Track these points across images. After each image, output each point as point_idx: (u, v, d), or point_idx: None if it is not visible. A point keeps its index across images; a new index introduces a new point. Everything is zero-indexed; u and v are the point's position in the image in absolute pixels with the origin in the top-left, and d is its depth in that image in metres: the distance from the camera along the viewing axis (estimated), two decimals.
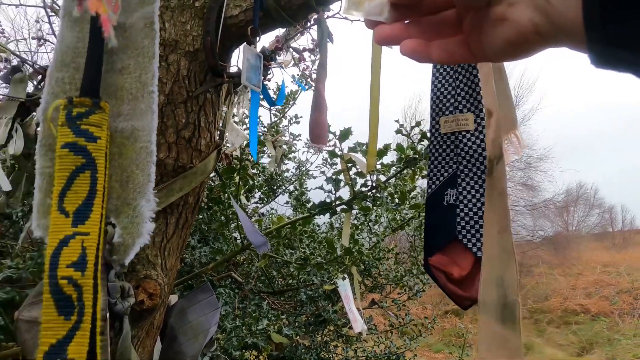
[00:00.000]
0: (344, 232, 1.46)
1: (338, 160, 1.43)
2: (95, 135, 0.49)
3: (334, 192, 1.40)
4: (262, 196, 2.63)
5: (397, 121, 1.36)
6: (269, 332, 1.56)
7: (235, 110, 1.14)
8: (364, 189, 1.41)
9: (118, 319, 0.73)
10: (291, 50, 1.44)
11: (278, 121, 2.82)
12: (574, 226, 14.81)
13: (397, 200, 1.65)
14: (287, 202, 2.73)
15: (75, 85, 0.52)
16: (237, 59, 1.02)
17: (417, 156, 1.34)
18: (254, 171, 2.26)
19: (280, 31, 1.30)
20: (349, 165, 1.37)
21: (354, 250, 1.63)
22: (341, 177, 1.41)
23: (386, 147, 1.32)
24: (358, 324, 1.64)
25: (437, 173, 0.89)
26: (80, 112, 0.49)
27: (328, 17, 1.38)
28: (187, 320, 1.06)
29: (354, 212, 1.93)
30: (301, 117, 2.85)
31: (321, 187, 1.65)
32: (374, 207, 1.60)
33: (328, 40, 0.96)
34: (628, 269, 10.22)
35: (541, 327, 8.43)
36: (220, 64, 0.89)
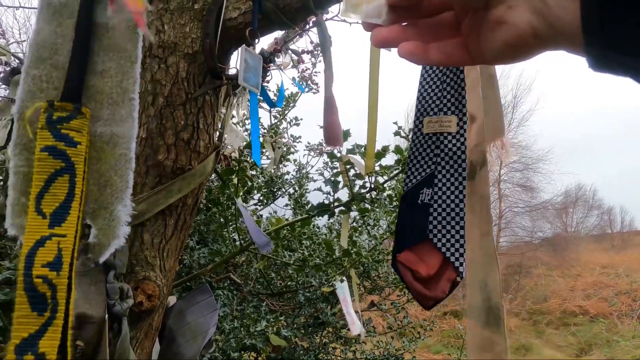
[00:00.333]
0: (343, 234, 1.47)
1: (337, 162, 1.43)
2: (75, 140, 0.50)
3: (332, 193, 1.41)
4: (261, 198, 2.63)
5: (395, 123, 1.37)
6: (267, 333, 1.56)
7: (234, 112, 1.14)
8: (362, 190, 1.42)
9: (117, 320, 0.73)
10: (290, 52, 1.44)
11: (278, 123, 2.83)
12: (572, 227, 14.84)
13: (395, 202, 1.65)
14: (286, 205, 2.73)
15: (53, 83, 0.52)
16: (236, 61, 1.02)
17: None
18: (253, 172, 2.26)
19: (279, 33, 1.31)
20: (348, 167, 1.37)
21: (352, 252, 1.64)
22: (340, 178, 1.41)
23: (384, 149, 1.33)
24: (356, 327, 1.64)
25: (415, 172, 0.90)
26: (61, 116, 0.49)
27: (327, 19, 1.39)
28: (185, 321, 1.06)
29: (353, 214, 1.93)
30: (301, 119, 2.85)
31: (320, 189, 1.65)
32: (373, 209, 1.60)
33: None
34: (627, 270, 10.23)
35: (540, 328, 8.44)
36: (219, 66, 0.89)
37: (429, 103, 0.92)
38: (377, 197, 1.43)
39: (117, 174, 0.53)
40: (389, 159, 1.48)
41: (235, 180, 1.43)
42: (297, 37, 1.42)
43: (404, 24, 0.38)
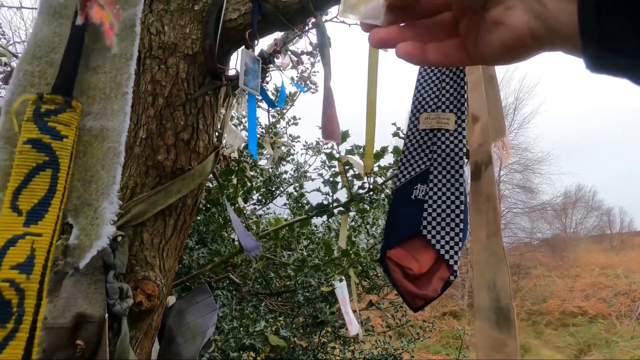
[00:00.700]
0: (341, 234, 1.47)
1: (336, 162, 1.44)
2: (62, 133, 0.47)
3: (331, 194, 1.41)
4: (260, 198, 2.63)
5: (394, 124, 1.38)
6: (266, 333, 1.57)
7: (234, 112, 1.15)
8: (361, 191, 1.42)
9: (116, 319, 0.73)
10: (289, 53, 1.45)
11: (276, 122, 2.83)
12: (572, 228, 14.85)
13: None
14: (285, 204, 2.73)
15: (46, 80, 0.51)
16: (236, 62, 1.02)
17: None
18: (252, 173, 2.27)
19: (278, 34, 1.31)
20: (346, 167, 1.38)
21: (351, 252, 1.64)
22: (338, 179, 1.42)
23: (383, 150, 1.33)
24: (354, 327, 1.64)
25: (409, 167, 0.89)
26: (49, 109, 0.47)
27: (326, 20, 1.39)
28: (185, 321, 1.06)
29: (351, 214, 1.94)
30: (299, 118, 2.86)
31: (318, 190, 1.66)
32: (371, 209, 1.60)
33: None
34: (626, 271, 10.25)
35: (539, 328, 8.44)
36: (218, 66, 0.89)
37: (427, 100, 0.91)
38: (376, 197, 1.43)
39: (105, 167, 0.51)
40: (388, 160, 1.49)
41: (234, 181, 1.43)
42: (297, 38, 1.42)
43: (401, 24, 0.38)
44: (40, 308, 0.44)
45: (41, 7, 0.53)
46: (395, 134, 1.36)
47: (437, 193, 0.84)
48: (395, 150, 1.36)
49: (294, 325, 2.05)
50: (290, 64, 1.55)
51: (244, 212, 1.91)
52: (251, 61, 0.83)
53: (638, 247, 13.09)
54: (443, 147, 0.86)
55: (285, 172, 2.84)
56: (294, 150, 2.84)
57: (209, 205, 1.68)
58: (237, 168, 1.35)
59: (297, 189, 2.63)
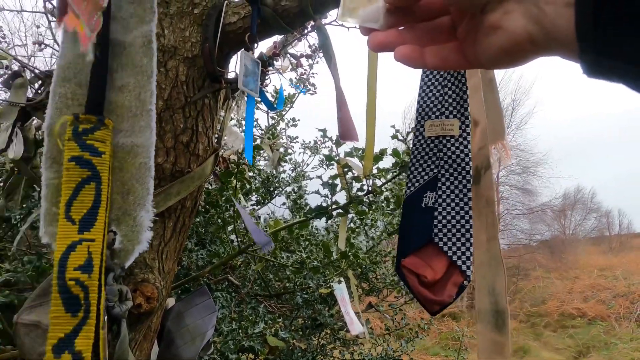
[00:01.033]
0: (340, 236, 1.47)
1: (335, 164, 1.44)
2: (99, 150, 0.53)
3: (330, 196, 1.41)
4: (258, 198, 2.64)
5: (393, 126, 1.38)
6: (265, 335, 1.57)
7: (233, 114, 1.15)
8: (360, 193, 1.42)
9: (116, 322, 0.74)
10: (288, 56, 1.45)
11: (276, 124, 2.84)
12: (571, 230, 14.87)
13: (393, 204, 1.66)
14: (283, 204, 2.74)
15: (77, 100, 0.56)
16: (235, 65, 1.03)
17: None
18: (250, 174, 2.27)
19: (277, 37, 1.32)
20: (345, 169, 1.38)
21: (350, 254, 1.64)
22: (337, 181, 1.42)
23: (382, 152, 1.33)
24: (355, 327, 1.64)
25: (417, 175, 0.90)
26: (85, 128, 0.53)
27: (325, 24, 1.39)
28: (184, 323, 1.06)
29: (350, 216, 1.94)
30: (298, 120, 2.87)
31: (317, 192, 1.66)
32: (370, 212, 1.61)
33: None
34: (625, 272, 10.26)
35: (538, 330, 8.44)
36: (218, 69, 0.90)
37: (430, 107, 0.92)
38: (375, 199, 1.44)
39: (139, 181, 0.57)
40: (387, 162, 1.49)
41: (234, 183, 1.44)
42: (296, 41, 1.43)
43: (400, 28, 0.38)
44: (102, 300, 0.54)
45: (63, 32, 0.57)
46: (394, 137, 1.37)
47: (446, 200, 0.85)
48: (394, 152, 1.37)
49: (292, 327, 2.05)
50: (290, 67, 1.55)
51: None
52: (251, 63, 0.84)
53: (637, 248, 13.11)
54: (449, 153, 0.87)
55: (284, 171, 2.85)
56: (292, 149, 2.85)
57: (208, 207, 1.68)
58: (236, 170, 1.36)
59: (296, 189, 2.64)
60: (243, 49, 0.88)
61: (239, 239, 1.60)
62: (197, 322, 1.06)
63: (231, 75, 0.95)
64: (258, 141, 2.20)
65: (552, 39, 0.29)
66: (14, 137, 1.04)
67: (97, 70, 0.54)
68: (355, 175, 1.41)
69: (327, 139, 2.02)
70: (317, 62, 2.20)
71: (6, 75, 1.06)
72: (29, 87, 1.07)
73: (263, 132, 2.63)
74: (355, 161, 1.34)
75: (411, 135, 1.30)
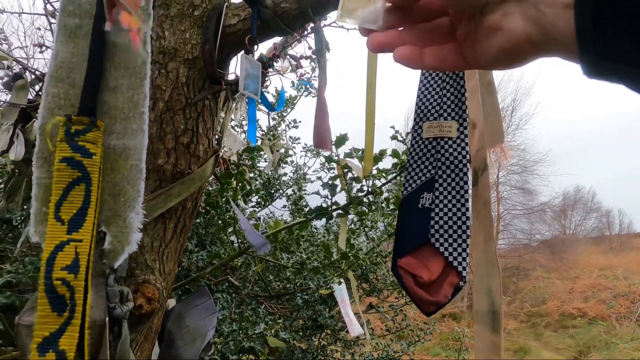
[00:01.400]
0: (341, 237, 1.48)
1: (335, 165, 1.45)
2: (90, 151, 0.53)
3: (330, 197, 1.42)
4: (259, 200, 2.64)
5: (392, 127, 1.39)
6: (265, 336, 1.57)
7: (233, 116, 1.16)
8: (360, 194, 1.43)
9: (117, 323, 0.74)
10: (288, 57, 1.46)
11: (277, 125, 2.85)
12: (571, 230, 14.86)
13: (392, 205, 1.66)
14: (284, 206, 2.74)
15: (70, 100, 0.56)
16: (235, 66, 1.03)
17: None
18: (251, 175, 2.27)
19: (277, 38, 1.32)
20: (345, 170, 1.38)
21: (350, 254, 1.64)
22: (337, 182, 1.42)
23: (382, 153, 1.34)
24: (354, 328, 1.64)
25: (415, 176, 0.91)
26: (77, 129, 0.53)
27: (325, 25, 1.40)
28: (184, 324, 1.06)
29: (350, 217, 1.94)
30: (299, 121, 2.87)
31: (317, 193, 1.66)
32: (370, 212, 1.61)
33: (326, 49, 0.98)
34: (625, 272, 10.25)
35: (538, 330, 8.44)
36: (218, 71, 0.90)
37: (429, 108, 0.92)
38: (375, 200, 1.44)
39: (130, 183, 0.57)
40: (386, 163, 1.50)
41: (234, 184, 1.44)
42: (296, 42, 1.43)
43: (399, 29, 0.38)
44: (87, 300, 0.54)
45: (57, 29, 0.56)
46: (394, 137, 1.37)
47: (443, 201, 0.85)
48: (394, 153, 1.37)
49: (293, 328, 2.05)
50: (290, 68, 1.56)
51: (244, 214, 1.91)
52: (251, 66, 0.84)
53: (637, 248, 13.10)
54: (447, 154, 0.87)
55: (285, 174, 2.85)
56: (293, 151, 2.85)
57: (208, 208, 1.68)
58: (236, 171, 1.36)
59: (296, 191, 2.64)
60: (243, 52, 0.88)
61: (240, 240, 1.61)
62: (198, 323, 1.06)
63: (231, 77, 0.95)
64: (259, 142, 2.20)
65: (552, 40, 0.29)
66: (15, 138, 1.05)
67: (92, 72, 0.54)
68: (355, 176, 1.41)
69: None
70: None
71: (7, 77, 1.06)
72: (29, 88, 1.08)
73: (264, 132, 2.64)
74: (355, 162, 1.35)
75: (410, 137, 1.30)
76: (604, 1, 0.26)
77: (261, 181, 2.53)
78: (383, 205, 1.59)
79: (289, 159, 2.80)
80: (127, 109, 0.56)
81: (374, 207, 1.44)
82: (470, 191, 0.84)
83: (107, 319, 0.70)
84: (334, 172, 1.52)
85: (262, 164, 2.56)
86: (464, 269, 0.81)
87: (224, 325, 1.56)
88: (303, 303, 2.03)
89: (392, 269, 0.89)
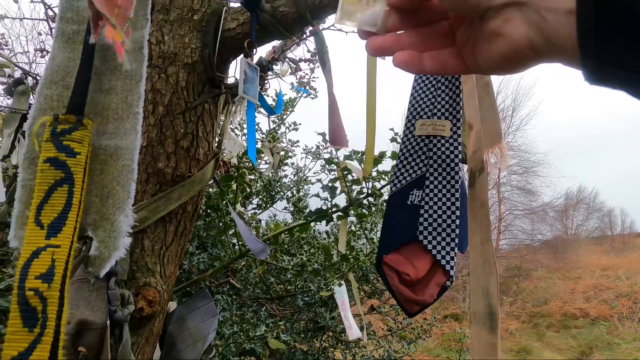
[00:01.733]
0: (341, 239, 1.48)
1: (335, 167, 1.45)
2: (75, 150, 0.50)
3: (330, 199, 1.42)
4: (260, 202, 2.65)
5: (392, 129, 1.39)
6: (266, 338, 1.57)
7: (232, 119, 1.16)
8: (360, 196, 1.43)
9: (118, 326, 0.74)
10: (287, 60, 1.46)
11: (277, 128, 2.85)
12: (573, 230, 14.81)
13: None
14: (285, 208, 2.74)
15: (63, 102, 0.54)
16: (235, 70, 1.04)
17: None
18: (252, 177, 2.28)
19: (277, 42, 1.33)
20: (345, 172, 1.39)
21: (350, 256, 1.65)
22: (337, 184, 1.43)
23: (382, 155, 1.34)
24: (353, 332, 1.64)
25: (405, 173, 0.90)
26: (64, 128, 0.51)
27: (323, 29, 1.41)
28: (185, 327, 1.07)
29: (351, 219, 1.94)
30: (299, 124, 2.88)
31: (317, 195, 1.67)
32: (370, 214, 1.61)
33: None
34: (627, 272, 10.22)
35: (540, 331, 8.41)
36: (217, 75, 0.91)
37: (422, 106, 0.92)
38: (374, 202, 1.44)
39: (120, 184, 0.54)
40: (386, 165, 1.50)
41: (234, 187, 1.44)
42: (295, 45, 1.44)
43: (398, 32, 0.38)
44: (63, 314, 0.47)
45: (56, 34, 0.56)
46: (393, 139, 1.37)
47: (432, 199, 0.85)
48: (394, 155, 1.37)
49: (294, 330, 2.05)
50: (289, 71, 1.56)
51: (244, 217, 1.92)
52: (250, 70, 0.85)
53: (639, 248, 13.06)
54: (439, 153, 0.87)
55: (285, 176, 2.86)
56: (293, 154, 2.86)
57: (208, 211, 1.69)
58: (236, 174, 1.37)
59: (295, 192, 2.65)
60: (242, 55, 0.88)
61: (240, 243, 1.61)
62: (199, 326, 1.07)
63: (231, 80, 0.96)
64: (259, 144, 2.21)
65: (553, 46, 0.29)
66: (16, 143, 1.05)
67: (82, 73, 0.53)
68: (355, 178, 1.41)
69: (327, 143, 2.03)
70: (318, 66, 2.21)
71: (9, 83, 1.07)
72: (30, 94, 1.08)
73: (264, 135, 2.65)
74: (354, 164, 1.35)
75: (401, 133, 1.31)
76: (605, 7, 0.26)
77: (262, 183, 2.54)
78: (383, 207, 1.59)
79: (289, 161, 2.80)
80: (121, 110, 0.55)
81: (373, 209, 1.45)
82: (459, 191, 0.84)
83: (108, 322, 0.71)
84: (334, 174, 1.53)
85: (263, 166, 2.57)
86: (452, 267, 0.81)
87: (225, 327, 1.57)
88: (304, 305, 2.03)
89: (377, 267, 0.88)
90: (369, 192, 1.37)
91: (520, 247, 12.70)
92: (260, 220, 2.59)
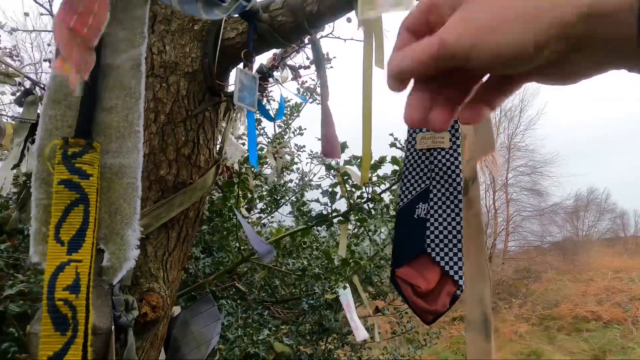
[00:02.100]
0: (341, 244, 1.49)
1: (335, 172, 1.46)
2: (87, 172, 0.55)
3: (330, 204, 1.43)
4: (264, 207, 2.67)
5: (391, 134, 1.40)
6: (271, 341, 1.58)
7: (232, 128, 1.18)
8: (360, 200, 1.44)
9: (123, 331, 0.76)
10: (287, 67, 1.48)
11: (283, 132, 2.87)
12: (584, 231, 14.56)
13: (393, 211, 1.67)
14: (290, 213, 2.76)
15: (67, 122, 0.58)
16: (235, 78, 1.06)
17: None
18: (256, 182, 2.30)
19: (277, 49, 1.35)
20: (345, 177, 1.40)
21: (350, 261, 1.65)
22: (337, 189, 1.44)
23: (381, 160, 1.35)
24: (360, 333, 1.65)
25: (410, 187, 0.92)
26: (74, 151, 0.55)
27: (321, 37, 1.43)
28: (189, 331, 1.09)
29: (352, 223, 1.95)
30: (305, 128, 2.90)
31: (317, 200, 1.68)
32: (370, 219, 1.62)
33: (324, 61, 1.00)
34: None
35: (551, 333, 8.28)
36: (218, 83, 0.93)
37: None
38: (374, 207, 1.45)
39: (126, 201, 0.58)
40: (386, 169, 1.51)
41: (236, 192, 1.46)
42: (294, 53, 1.46)
43: (420, 96, 0.33)
44: (89, 319, 0.55)
45: (55, 52, 0.59)
46: (392, 145, 1.38)
47: (437, 211, 0.87)
48: (394, 160, 1.38)
49: (299, 333, 2.06)
50: (290, 77, 1.58)
51: (248, 221, 1.93)
52: (247, 79, 0.87)
53: None
54: (440, 165, 0.88)
55: (290, 180, 2.87)
56: (299, 159, 2.88)
57: (212, 216, 1.71)
58: (238, 180, 1.39)
59: (299, 197, 2.66)
60: (240, 65, 0.90)
61: (243, 247, 1.63)
62: (203, 330, 1.08)
63: (231, 89, 0.98)
64: (264, 149, 2.23)
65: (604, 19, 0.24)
66: (26, 152, 1.09)
67: (88, 96, 0.56)
68: (355, 183, 1.42)
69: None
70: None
71: (19, 93, 1.10)
72: (39, 103, 1.12)
73: (270, 140, 2.67)
74: (354, 169, 1.36)
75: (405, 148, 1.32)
76: None
77: (267, 188, 2.56)
78: (383, 211, 1.60)
79: (294, 167, 2.82)
80: (122, 128, 0.58)
81: (374, 214, 1.45)
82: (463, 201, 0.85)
83: (113, 327, 0.73)
84: (334, 181, 1.53)
85: (267, 171, 2.59)
86: (461, 277, 0.82)
87: (229, 331, 1.58)
88: (309, 308, 2.04)
89: (391, 279, 0.90)
90: (369, 197, 1.38)
91: (529, 248, 12.54)
92: (264, 224, 2.60)
